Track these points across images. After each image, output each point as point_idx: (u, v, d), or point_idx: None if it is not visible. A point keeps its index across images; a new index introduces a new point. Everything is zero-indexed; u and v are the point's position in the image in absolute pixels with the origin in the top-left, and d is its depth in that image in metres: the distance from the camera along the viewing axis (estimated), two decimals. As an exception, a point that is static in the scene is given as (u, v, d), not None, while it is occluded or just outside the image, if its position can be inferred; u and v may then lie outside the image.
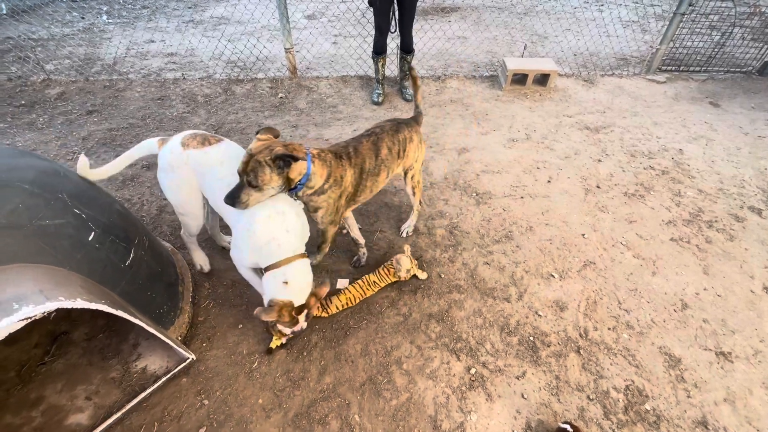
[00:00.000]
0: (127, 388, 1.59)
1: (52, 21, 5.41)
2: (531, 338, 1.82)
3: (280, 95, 3.76)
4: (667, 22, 4.04)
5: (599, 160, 3.01)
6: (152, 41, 4.92)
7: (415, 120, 2.02)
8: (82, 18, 5.59)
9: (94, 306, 1.19)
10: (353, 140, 1.77)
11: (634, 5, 6.33)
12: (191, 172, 1.64)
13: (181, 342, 1.70)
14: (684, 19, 3.94)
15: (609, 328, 1.87)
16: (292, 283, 1.51)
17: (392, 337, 1.81)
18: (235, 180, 1.49)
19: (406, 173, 2.03)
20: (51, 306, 1.08)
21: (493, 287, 2.05)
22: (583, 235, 2.36)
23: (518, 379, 1.67)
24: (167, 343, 1.62)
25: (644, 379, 1.68)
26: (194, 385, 1.63)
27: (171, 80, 3.98)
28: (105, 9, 5.96)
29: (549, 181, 2.78)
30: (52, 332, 1.76)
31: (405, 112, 3.56)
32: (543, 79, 3.96)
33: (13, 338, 1.60)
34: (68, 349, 1.71)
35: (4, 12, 5.53)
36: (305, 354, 1.73)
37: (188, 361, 1.67)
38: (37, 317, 1.08)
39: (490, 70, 4.37)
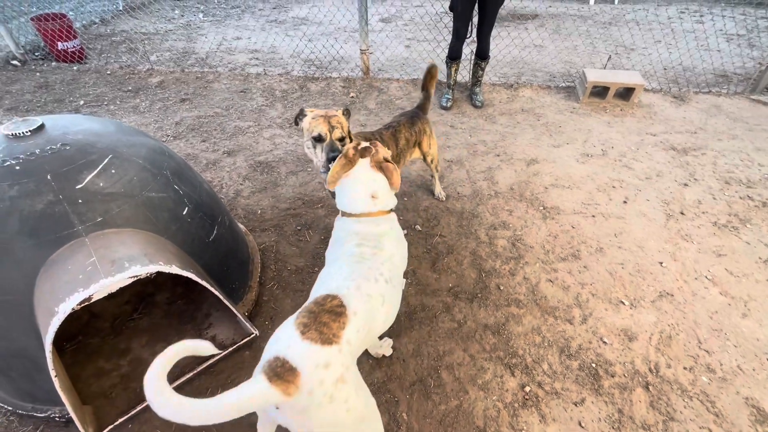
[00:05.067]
0: (198, 352, 1.74)
1: (158, 18, 6.06)
2: (593, 365, 1.72)
3: (352, 94, 3.89)
4: (783, 37, 3.59)
5: (685, 185, 2.75)
6: (239, 38, 5.32)
7: (423, 109, 2.25)
8: (182, 15, 6.20)
9: (185, 273, 1.32)
10: (376, 132, 1.99)
11: (742, 17, 5.70)
12: None
13: (247, 317, 1.83)
14: (805, 35, 3.48)
15: (685, 368, 1.70)
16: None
17: (445, 342, 1.80)
18: None
19: (424, 158, 2.33)
20: (153, 268, 1.22)
21: (555, 306, 1.96)
22: (661, 263, 2.18)
23: (576, 405, 1.59)
24: (235, 317, 1.75)
25: (724, 430, 1.52)
26: (255, 360, 1.74)
27: (253, 75, 4.28)
28: (201, 8, 6.56)
29: (625, 202, 2.60)
30: (141, 293, 1.97)
31: (474, 117, 3.52)
32: (626, 93, 3.70)
33: (111, 293, 1.83)
34: (152, 310, 1.91)
35: (121, 8, 6.30)
36: (359, 346, 1.78)
37: (252, 336, 1.79)
38: (141, 277, 1.22)
39: (567, 80, 4.17)
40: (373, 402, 1.09)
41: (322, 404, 0.89)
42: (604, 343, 1.80)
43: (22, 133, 1.31)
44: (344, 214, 1.37)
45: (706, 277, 2.10)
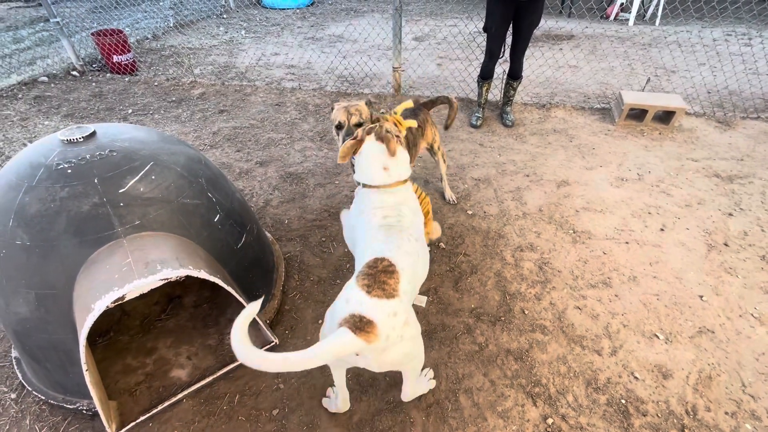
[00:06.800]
0: (219, 356, 1.78)
1: (204, 34, 6.44)
2: (623, 401, 1.62)
3: (382, 111, 3.95)
4: (843, 62, 3.37)
5: (730, 214, 2.59)
6: (277, 54, 5.56)
7: (426, 105, 2.48)
8: (226, 32, 6.56)
9: (212, 279, 1.36)
10: None
11: (795, 40, 5.41)
12: None
13: (268, 325, 1.86)
14: None
15: (726, 413, 1.58)
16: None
17: (465, 365, 1.75)
18: None
19: (431, 148, 2.49)
20: (183, 272, 1.27)
21: (582, 335, 1.87)
22: (701, 297, 2.05)
23: (603, 443, 1.49)
24: (257, 324, 1.79)
25: (771, 485, 1.38)
26: (274, 368, 1.76)
27: (289, 89, 4.45)
28: (244, 25, 6.92)
29: (662, 230, 2.47)
30: (169, 294, 2.05)
31: (504, 136, 3.49)
32: (665, 116, 3.57)
33: (142, 293, 1.90)
34: (179, 312, 1.98)
35: (171, 24, 6.74)
36: (376, 362, 1.76)
37: (272, 344, 1.81)
38: (171, 279, 1.27)
39: (602, 102, 4.07)
40: (419, 329, 1.30)
41: (396, 343, 1.11)
42: (636, 378, 1.70)
43: (76, 139, 1.41)
44: (365, 185, 1.53)
45: (752, 314, 1.95)
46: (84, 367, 1.22)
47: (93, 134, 1.46)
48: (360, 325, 1.04)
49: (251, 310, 1.02)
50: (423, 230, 1.52)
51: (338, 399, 1.54)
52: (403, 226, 1.36)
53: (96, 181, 1.33)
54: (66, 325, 1.34)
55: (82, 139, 1.42)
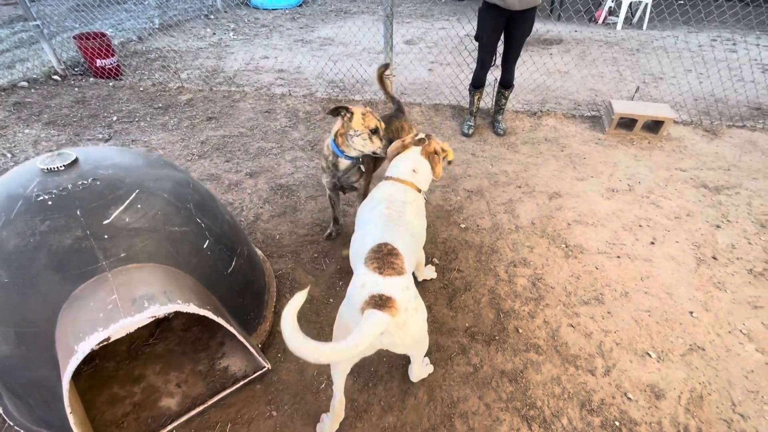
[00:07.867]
0: (210, 383, 1.74)
1: (191, 36, 6.30)
2: (617, 423, 1.63)
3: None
4: (825, 73, 3.45)
5: (718, 226, 2.63)
6: (266, 57, 5.47)
7: (400, 110, 2.49)
8: (214, 34, 6.43)
9: (202, 312, 1.32)
10: None
11: (778, 47, 5.52)
12: None
13: (260, 349, 1.82)
14: None
15: (718, 434, 1.60)
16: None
17: (460, 388, 1.74)
18: None
19: None
20: (171, 308, 1.23)
21: (576, 354, 1.88)
22: (691, 313, 2.07)
23: (597, 468, 1.50)
24: (249, 348, 1.75)
25: (761, 508, 1.40)
26: (266, 394, 1.73)
27: (278, 95, 4.38)
28: (232, 26, 6.79)
29: (652, 243, 2.50)
30: (157, 318, 1.99)
31: (495, 145, 3.49)
32: (654, 125, 3.60)
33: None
34: (168, 335, 1.93)
35: (157, 25, 6.58)
36: (371, 386, 1.74)
37: (264, 369, 1.77)
38: (159, 316, 1.23)
39: (592, 109, 4.10)
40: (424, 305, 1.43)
41: (412, 315, 1.24)
42: (629, 399, 1.71)
43: (57, 167, 1.35)
44: (388, 178, 1.74)
45: (741, 331, 1.98)
46: (68, 410, 1.18)
47: (75, 161, 1.40)
48: (381, 302, 1.17)
49: (299, 299, 1.12)
50: (422, 236, 1.72)
51: (335, 401, 1.53)
52: (401, 221, 1.53)
53: (78, 212, 1.28)
54: (48, 362, 1.29)
55: (63, 168, 1.36)
